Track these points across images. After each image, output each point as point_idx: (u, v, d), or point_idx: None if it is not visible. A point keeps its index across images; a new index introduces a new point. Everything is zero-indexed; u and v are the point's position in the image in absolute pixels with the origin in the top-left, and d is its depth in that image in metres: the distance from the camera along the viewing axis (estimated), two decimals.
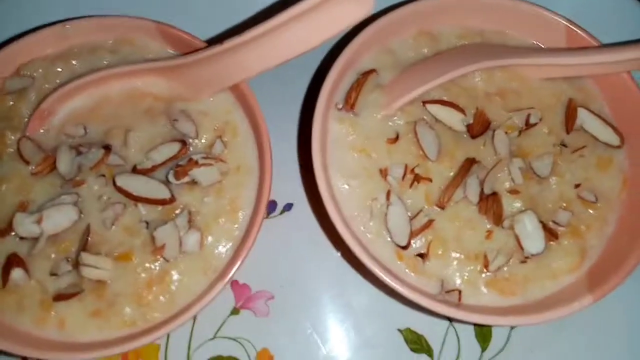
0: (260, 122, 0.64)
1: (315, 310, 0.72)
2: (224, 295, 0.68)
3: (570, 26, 0.70)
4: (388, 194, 0.64)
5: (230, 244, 0.63)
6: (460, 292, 0.62)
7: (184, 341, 0.70)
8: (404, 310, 0.71)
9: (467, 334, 0.71)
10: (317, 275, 0.73)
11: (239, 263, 0.60)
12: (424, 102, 0.68)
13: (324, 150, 0.64)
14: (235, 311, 0.71)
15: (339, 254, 0.74)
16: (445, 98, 0.68)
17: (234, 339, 0.70)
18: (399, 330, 0.71)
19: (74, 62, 0.68)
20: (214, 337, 0.70)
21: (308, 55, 0.62)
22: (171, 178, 0.64)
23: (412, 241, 0.63)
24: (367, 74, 0.69)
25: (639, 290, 0.70)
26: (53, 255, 0.61)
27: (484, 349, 0.71)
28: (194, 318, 0.70)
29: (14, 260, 0.61)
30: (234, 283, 0.71)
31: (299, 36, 0.59)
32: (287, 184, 0.74)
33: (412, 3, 0.70)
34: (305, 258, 0.73)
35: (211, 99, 0.68)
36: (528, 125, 0.68)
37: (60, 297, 0.60)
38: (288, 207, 0.75)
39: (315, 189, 0.62)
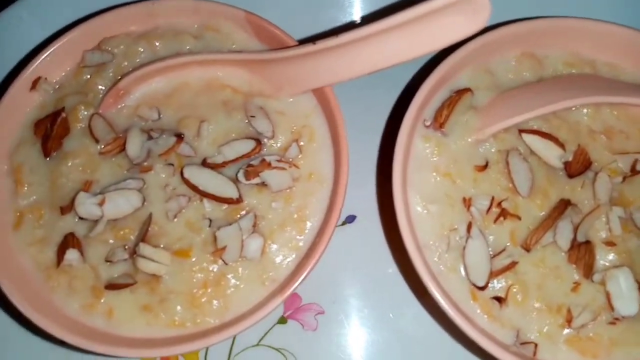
0: (340, 130, 0.62)
1: (365, 334, 0.70)
2: None
3: None
4: (469, 226, 0.61)
5: (294, 255, 0.62)
6: (536, 345, 0.58)
7: (226, 343, 0.69)
8: (468, 356, 0.68)
9: None
10: (374, 296, 0.71)
11: (301, 279, 0.58)
12: (521, 131, 0.65)
13: (405, 167, 0.62)
14: (282, 320, 0.71)
15: (401, 278, 0.72)
16: (544, 129, 0.65)
17: (278, 350, 0.69)
18: None
19: (156, 43, 0.69)
20: (258, 344, 0.69)
21: (400, 67, 0.60)
22: (241, 177, 0.63)
23: (490, 282, 0.60)
24: (461, 92, 0.66)
25: None
26: (111, 241, 0.62)
27: None
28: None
29: (70, 240, 0.61)
30: None
31: (399, 46, 0.58)
32: (356, 195, 0.71)
33: (518, 22, 0.67)
34: (364, 277, 0.72)
35: (291, 99, 0.67)
36: (634, 171, 0.64)
37: (112, 285, 0.60)
38: (351, 219, 0.74)
39: (388, 204, 0.60)
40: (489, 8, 0.53)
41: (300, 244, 0.62)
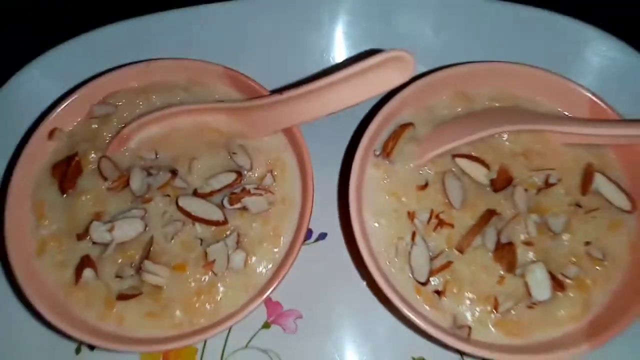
0: (307, 162, 0.71)
1: (339, 333, 0.76)
2: (258, 310, 0.70)
3: (594, 98, 0.74)
4: (413, 235, 0.69)
5: (271, 265, 0.69)
6: (470, 328, 0.66)
7: (218, 347, 0.75)
8: (419, 341, 0.74)
9: None
10: (344, 301, 0.77)
11: (276, 283, 0.66)
12: (454, 156, 0.72)
13: (360, 190, 0.71)
14: (266, 325, 0.76)
15: (364, 284, 0.78)
16: (473, 153, 0.73)
17: (264, 351, 0.75)
18: (414, 358, 0.75)
19: (153, 96, 0.77)
20: (246, 347, 0.75)
21: (354, 107, 0.68)
22: (225, 203, 0.70)
23: (431, 279, 0.68)
24: (404, 126, 0.74)
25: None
26: (119, 260, 0.69)
27: None
28: (230, 328, 0.72)
29: (86, 262, 0.69)
30: (267, 300, 0.73)
31: (348, 93, 0.66)
32: (325, 215, 0.78)
33: (450, 67, 0.75)
34: (335, 284, 0.78)
35: (266, 138, 0.75)
36: (547, 184, 0.71)
37: (122, 296, 0.67)
38: (323, 236, 0.80)
39: (348, 223, 0.68)
40: (413, 64, 0.62)
41: (276, 256, 0.69)
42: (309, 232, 0.80)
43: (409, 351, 0.75)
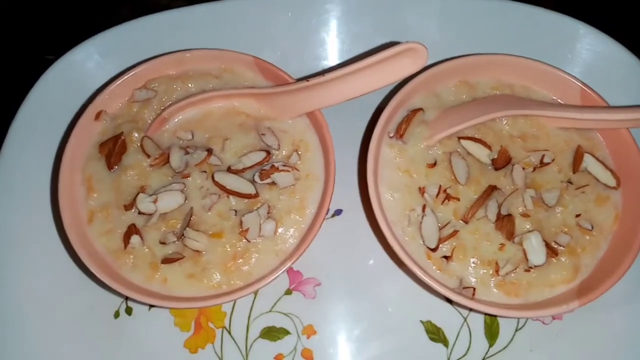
0: (328, 143, 0.75)
1: (355, 297, 0.79)
2: (281, 278, 0.73)
3: (583, 87, 0.77)
4: (424, 207, 0.73)
5: (297, 234, 0.73)
6: (474, 289, 0.70)
7: (245, 311, 0.78)
8: (429, 304, 0.79)
9: (478, 330, 0.78)
10: (360, 270, 0.80)
11: (301, 251, 0.70)
12: (459, 138, 0.75)
13: (376, 168, 0.74)
14: (288, 292, 0.79)
15: (377, 254, 0.81)
16: (476, 136, 0.76)
17: (286, 314, 0.78)
18: (422, 321, 0.78)
19: (189, 83, 0.80)
20: (270, 311, 0.79)
21: (371, 94, 0.71)
22: (256, 178, 0.74)
23: (440, 245, 0.71)
24: (415, 111, 0.77)
25: (627, 302, 0.77)
26: (163, 229, 0.73)
27: (491, 345, 0.78)
28: (255, 293, 0.79)
29: (133, 229, 0.73)
30: (289, 269, 0.76)
31: (367, 81, 0.70)
32: (343, 192, 0.80)
33: (455, 59, 0.78)
34: (350, 255, 0.81)
35: (290, 121, 0.78)
36: (542, 163, 0.75)
37: (166, 260, 0.71)
38: (339, 212, 0.83)
39: (367, 197, 0.71)
40: (426, 54, 0.66)
41: (302, 225, 0.73)
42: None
43: (419, 314, 0.79)
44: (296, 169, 0.76)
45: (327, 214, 0.74)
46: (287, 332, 0.78)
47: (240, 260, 0.72)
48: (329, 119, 0.76)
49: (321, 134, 0.77)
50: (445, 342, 0.77)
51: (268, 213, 0.73)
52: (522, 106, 0.76)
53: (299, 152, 0.77)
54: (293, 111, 0.77)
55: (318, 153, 0.77)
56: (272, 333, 0.78)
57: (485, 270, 0.71)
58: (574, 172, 0.76)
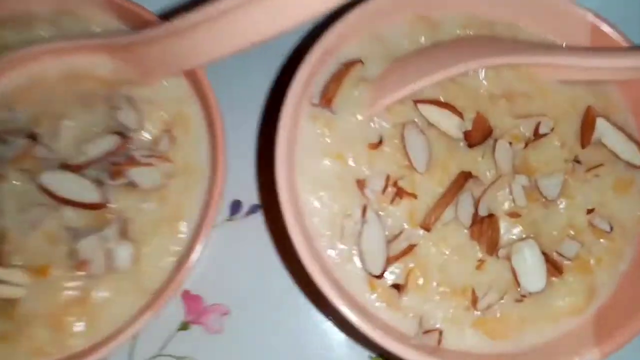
0: (216, 116, 0.58)
1: (277, 328, 0.69)
2: (173, 306, 0.66)
3: (597, 22, 0.65)
4: (364, 210, 0.59)
5: (171, 258, 0.58)
6: (441, 332, 0.57)
7: (122, 356, 0.67)
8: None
9: None
10: (284, 290, 0.69)
11: (176, 285, 0.54)
12: (416, 102, 0.62)
13: (291, 152, 0.59)
14: (184, 326, 0.68)
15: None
16: (441, 98, 0.62)
17: (180, 358, 0.67)
18: (371, 358, 0.68)
19: (4, 32, 0.63)
20: (157, 356, 0.67)
21: (279, 39, 0.56)
22: (105, 178, 0.58)
23: (388, 269, 0.58)
24: (350, 64, 0.63)
25: None
26: None
27: None
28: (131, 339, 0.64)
29: None
30: (184, 293, 0.68)
31: (267, 17, 0.54)
32: (240, 186, 0.71)
33: None
34: (272, 268, 0.70)
35: (165, 83, 0.62)
36: (537, 135, 0.63)
37: None
38: (255, 209, 0.72)
39: (276, 196, 0.57)
40: None
41: (176, 248, 0.58)
42: (237, 205, 0.72)
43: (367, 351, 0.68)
44: (168, 159, 0.60)
45: (232, 213, 0.68)
46: None
47: (79, 308, 0.56)
48: (220, 80, 0.63)
49: (206, 103, 0.60)
50: None
51: (123, 231, 0.57)
52: (507, 51, 0.65)
53: (174, 134, 0.61)
54: (163, 69, 0.61)
55: (202, 134, 0.62)
56: None
57: (457, 303, 0.59)
58: (582, 147, 0.64)
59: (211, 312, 0.68)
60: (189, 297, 0.68)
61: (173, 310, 0.67)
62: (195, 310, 0.68)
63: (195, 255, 0.55)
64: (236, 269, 0.69)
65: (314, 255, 0.54)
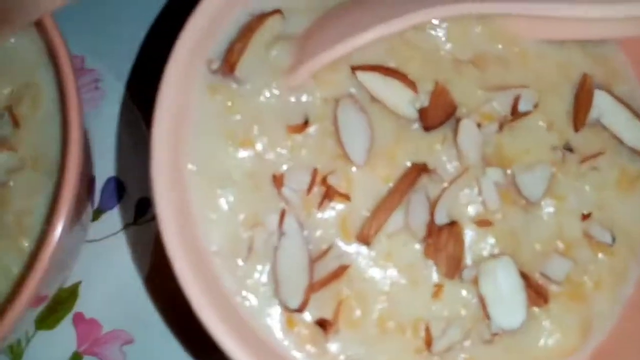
0: (70, 88, 0.46)
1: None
2: (64, 333, 0.61)
3: None
4: (282, 216, 0.48)
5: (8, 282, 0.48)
6: None
7: None
8: None
9: None
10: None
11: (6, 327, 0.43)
12: (354, 68, 0.52)
13: (179, 136, 0.48)
14: (76, 357, 0.62)
15: None
16: (389, 64, 0.52)
17: None
18: None
19: None
20: None
21: None
22: None
23: (310, 299, 0.47)
24: (264, 16, 0.52)
25: None
26: None
27: None
28: None
29: None
30: (76, 317, 0.62)
31: None
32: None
33: None
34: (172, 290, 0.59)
35: (12, 40, 0.51)
36: (515, 114, 0.53)
37: None
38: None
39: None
40: None
41: (15, 269, 0.47)
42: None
43: None
44: (10, 147, 0.51)
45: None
46: None
47: None
48: (77, 37, 0.55)
49: (60, 69, 0.48)
50: None
51: None
52: None
53: (18, 113, 0.51)
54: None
55: (56, 111, 0.51)
56: None
57: (405, 344, 0.49)
58: (576, 129, 0.55)
59: (110, 340, 0.62)
60: (82, 322, 0.63)
61: (61, 337, 0.61)
62: (90, 338, 0.62)
63: (39, 274, 0.43)
64: (138, 286, 0.62)
65: (203, 279, 0.43)
